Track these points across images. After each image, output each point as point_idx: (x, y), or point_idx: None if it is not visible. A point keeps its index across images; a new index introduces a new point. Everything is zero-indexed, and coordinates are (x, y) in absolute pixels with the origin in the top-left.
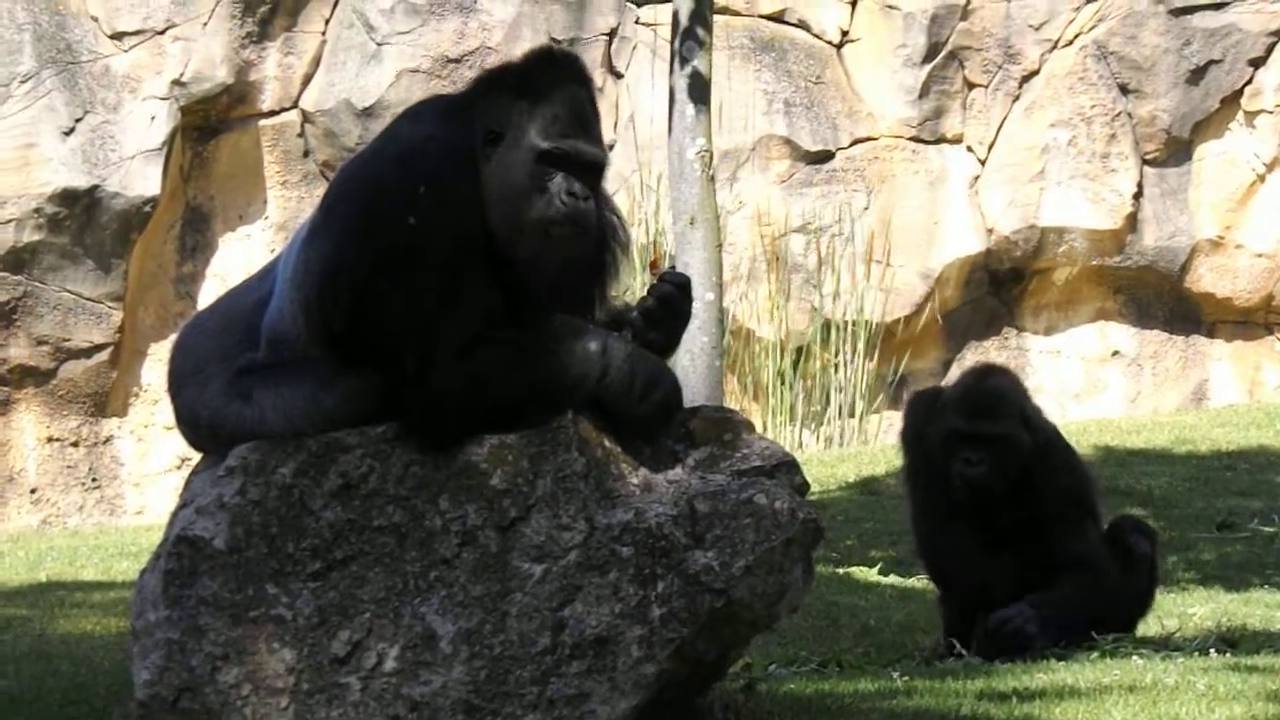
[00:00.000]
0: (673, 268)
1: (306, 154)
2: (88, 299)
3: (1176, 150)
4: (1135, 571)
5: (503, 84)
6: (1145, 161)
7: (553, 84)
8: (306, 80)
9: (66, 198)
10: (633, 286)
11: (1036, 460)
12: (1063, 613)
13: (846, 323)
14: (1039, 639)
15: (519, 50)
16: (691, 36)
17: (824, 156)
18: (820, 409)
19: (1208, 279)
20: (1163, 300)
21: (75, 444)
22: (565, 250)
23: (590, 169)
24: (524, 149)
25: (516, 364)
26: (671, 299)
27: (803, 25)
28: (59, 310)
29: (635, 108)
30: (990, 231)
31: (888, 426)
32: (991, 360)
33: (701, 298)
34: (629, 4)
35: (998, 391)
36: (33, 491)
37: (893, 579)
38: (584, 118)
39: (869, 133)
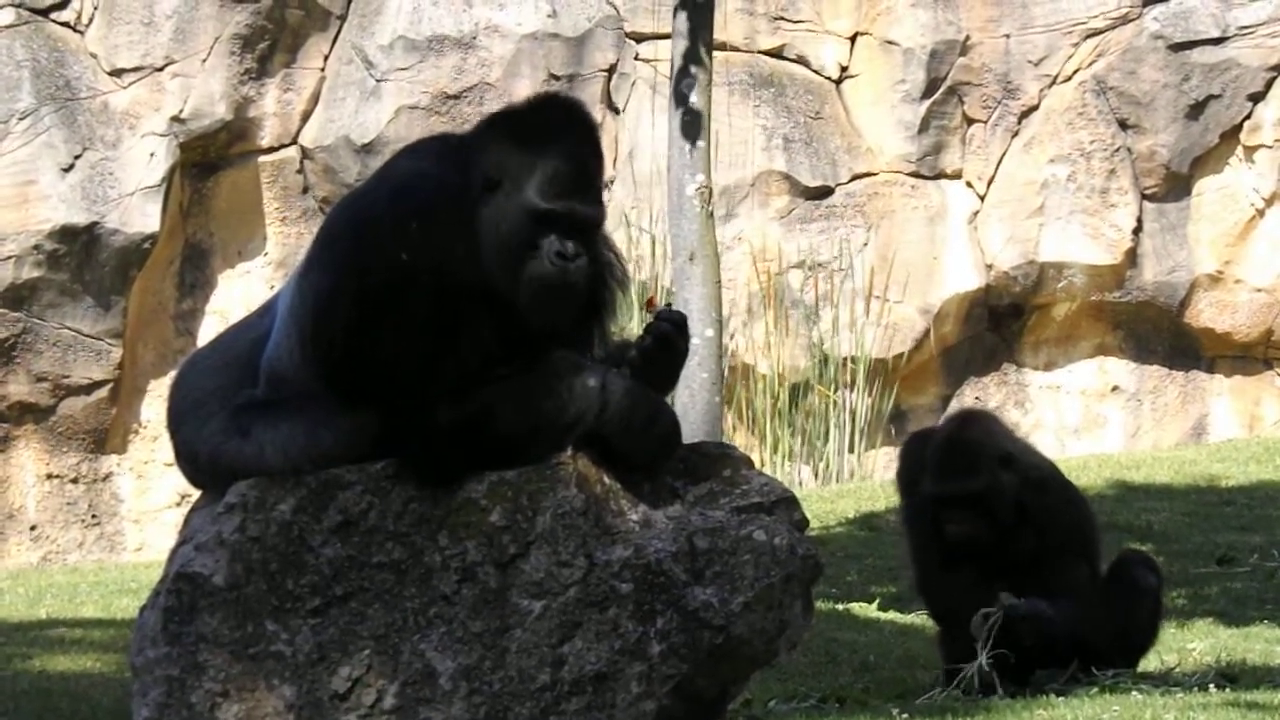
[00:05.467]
0: (669, 305)
1: (306, 190)
2: (87, 336)
3: (1176, 185)
4: (1139, 606)
5: (505, 129)
6: (1144, 197)
7: (555, 136)
8: (305, 116)
9: (66, 234)
10: (630, 324)
11: (1033, 497)
12: (1063, 620)
13: (845, 358)
14: (1056, 625)
15: (518, 87)
16: (690, 73)
17: (823, 192)
18: (819, 445)
19: (1207, 314)
20: (1162, 335)
21: (75, 481)
22: (551, 308)
23: (584, 227)
24: (520, 204)
25: (515, 401)
26: (668, 337)
27: (802, 61)
28: (58, 347)
29: (634, 144)
30: (989, 267)
31: (887, 462)
32: (979, 403)
33: (701, 334)
34: (628, 40)
35: (971, 445)
36: (32, 528)
37: (892, 615)
38: (584, 174)
39: (868, 168)
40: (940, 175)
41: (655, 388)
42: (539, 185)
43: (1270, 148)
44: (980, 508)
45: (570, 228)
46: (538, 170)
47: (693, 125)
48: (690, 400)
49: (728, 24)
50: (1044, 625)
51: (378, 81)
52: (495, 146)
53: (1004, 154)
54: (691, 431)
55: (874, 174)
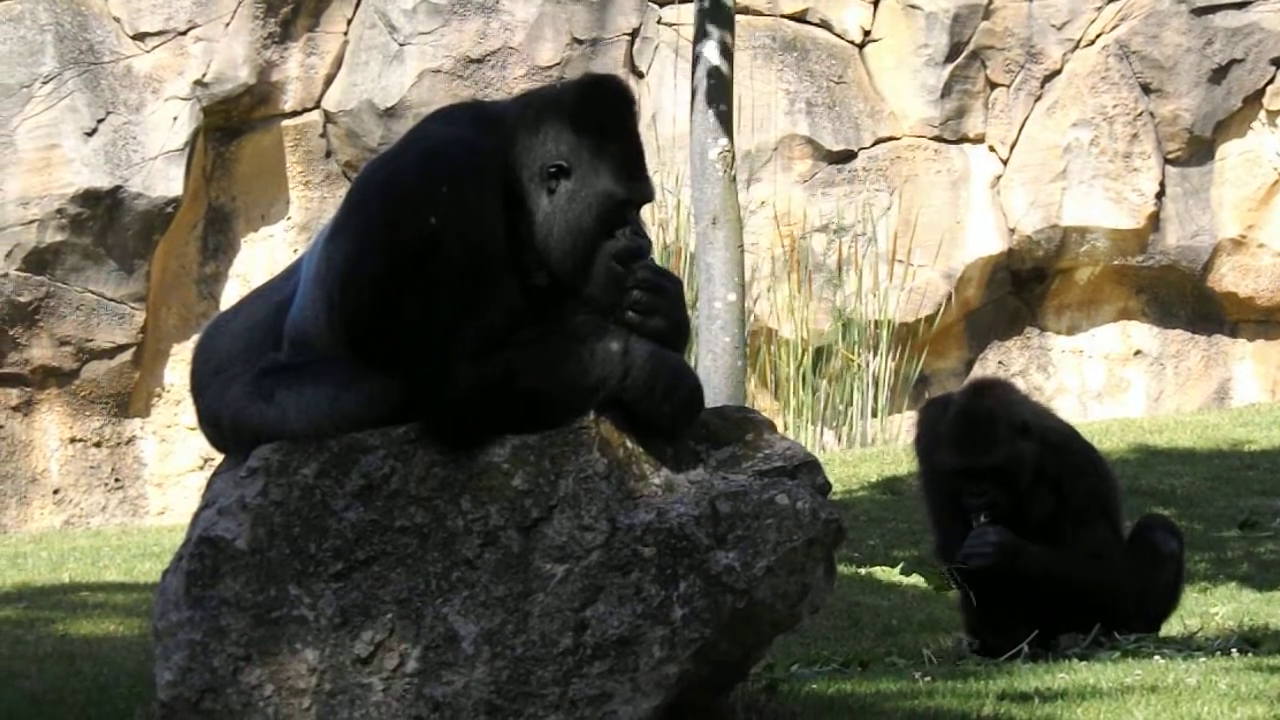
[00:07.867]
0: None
1: (328, 154)
2: (110, 299)
3: (1198, 149)
4: (1162, 570)
5: (558, 115)
6: (1167, 161)
7: (613, 124)
8: (329, 80)
9: (89, 198)
10: None
11: (1054, 460)
12: (1030, 555)
13: (868, 322)
14: (991, 557)
15: (541, 51)
16: (713, 37)
17: (846, 156)
18: (842, 409)
19: (1230, 278)
20: (1185, 300)
21: (98, 444)
22: (626, 281)
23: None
24: (598, 193)
25: (539, 365)
26: (649, 282)
27: (825, 25)
28: (81, 311)
29: (657, 108)
30: (1012, 231)
31: (910, 426)
32: (1002, 367)
33: (724, 298)
34: (651, 4)
35: (986, 416)
36: (55, 492)
37: (915, 579)
38: (643, 156)
39: (891, 132)
40: (963, 139)
41: (666, 338)
42: (613, 174)
43: None
44: (999, 478)
45: (640, 206)
46: (606, 159)
47: (715, 89)
48: (713, 364)
49: None
50: (994, 547)
51: (401, 45)
52: (550, 132)
53: (1027, 118)
54: (714, 396)
55: (897, 138)
